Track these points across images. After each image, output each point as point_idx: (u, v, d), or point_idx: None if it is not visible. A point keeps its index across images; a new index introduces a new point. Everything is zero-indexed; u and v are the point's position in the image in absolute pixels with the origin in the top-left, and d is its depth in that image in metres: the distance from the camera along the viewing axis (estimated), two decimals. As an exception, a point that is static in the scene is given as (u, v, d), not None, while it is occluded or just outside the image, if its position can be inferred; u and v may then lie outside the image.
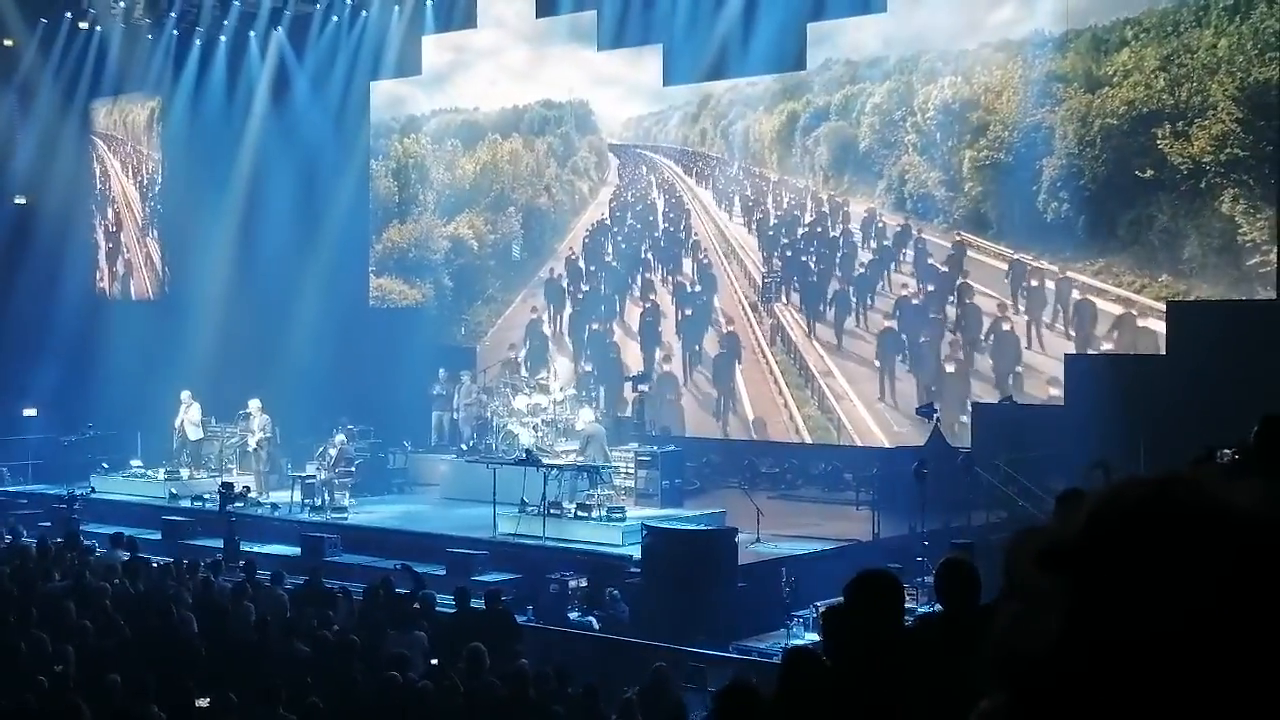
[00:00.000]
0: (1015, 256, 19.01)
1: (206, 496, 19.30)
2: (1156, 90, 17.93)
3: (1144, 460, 12.43)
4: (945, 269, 19.79)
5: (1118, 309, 18.05)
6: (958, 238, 19.67)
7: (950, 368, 19.43)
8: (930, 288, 19.85)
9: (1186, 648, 0.87)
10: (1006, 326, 19.03)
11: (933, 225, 20.06)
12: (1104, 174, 18.36)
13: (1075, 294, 18.43)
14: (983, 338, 19.25)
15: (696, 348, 22.04)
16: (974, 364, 19.22)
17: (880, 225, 20.60)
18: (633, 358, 22.58)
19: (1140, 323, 17.76)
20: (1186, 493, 0.94)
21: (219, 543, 17.46)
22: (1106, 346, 18.08)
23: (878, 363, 20.06)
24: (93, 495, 20.91)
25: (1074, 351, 18.05)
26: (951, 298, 19.68)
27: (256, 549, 17.46)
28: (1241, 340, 14.91)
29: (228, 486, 18.29)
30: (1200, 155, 17.48)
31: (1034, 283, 18.84)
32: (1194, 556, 0.90)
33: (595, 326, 23.23)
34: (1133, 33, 18.34)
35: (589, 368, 22.95)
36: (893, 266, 20.37)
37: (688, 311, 22.28)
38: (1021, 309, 18.96)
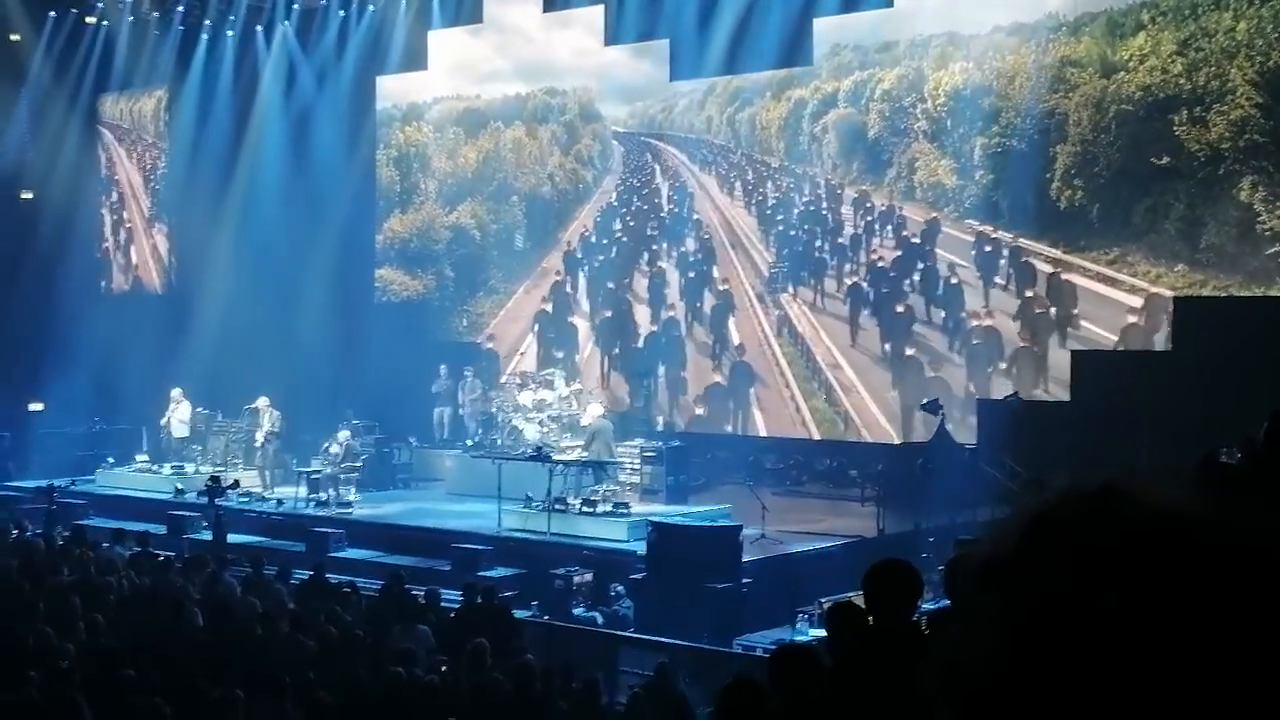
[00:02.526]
0: (979, 229, 19.94)
1: (230, 492, 19.58)
2: (1173, 75, 18.04)
3: (1148, 457, 12.68)
4: (918, 240, 20.68)
5: (1049, 268, 19.15)
6: (932, 215, 20.43)
7: (899, 308, 20.64)
8: (899, 254, 20.88)
9: (1131, 659, 0.88)
10: (955, 281, 20.16)
11: (943, 213, 20.39)
12: (1119, 161, 18.51)
13: (1024, 258, 19.48)
14: (938, 292, 20.38)
15: (698, 305, 22.93)
16: (925, 313, 20.54)
17: (869, 205, 21.34)
18: (641, 315, 23.42)
19: (1065, 276, 19.00)
20: (1122, 501, 0.94)
21: (226, 537, 17.80)
22: (1029, 294, 19.40)
23: (847, 312, 21.17)
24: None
25: (1010, 298, 19.66)
26: (919, 263, 20.64)
27: (261, 543, 17.90)
28: (1249, 336, 15.07)
29: (215, 480, 18.53)
30: (1218, 142, 17.58)
31: (988, 249, 19.89)
32: (1133, 564, 0.90)
33: (611, 286, 23.93)
34: (1149, 16, 18.46)
35: (608, 313, 23.74)
36: (875, 241, 21.23)
37: (690, 275, 23.10)
38: (975, 270, 19.99)
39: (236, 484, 19.39)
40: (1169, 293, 18.00)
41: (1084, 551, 0.92)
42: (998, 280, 19.83)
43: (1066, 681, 0.89)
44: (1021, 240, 19.50)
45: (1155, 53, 18.27)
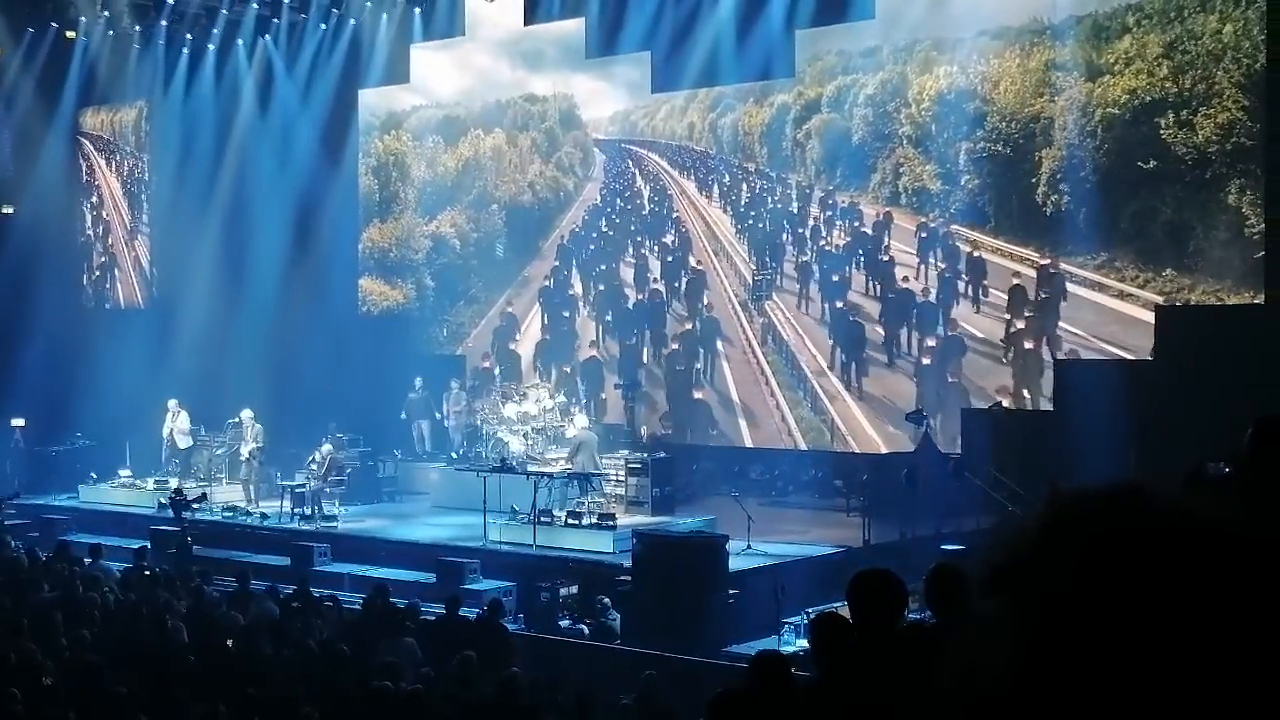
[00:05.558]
0: (920, 219, 20.88)
1: (195, 506, 19.77)
2: (1159, 78, 18.25)
3: (1132, 466, 12.89)
4: (869, 231, 21.53)
5: (968, 248, 20.41)
6: (886, 210, 21.21)
7: (835, 278, 21.82)
8: (848, 239, 21.88)
9: (1153, 665, 0.87)
10: (885, 259, 21.35)
11: (928, 218, 20.68)
12: (1105, 165, 18.71)
13: (952, 241, 20.55)
14: (877, 269, 21.51)
15: (675, 284, 23.75)
16: (863, 285, 21.72)
17: (832, 202, 22.02)
18: (629, 295, 24.15)
19: (976, 253, 20.33)
20: (1140, 503, 0.95)
21: (214, 552, 17.96)
22: (942, 264, 20.72)
23: (798, 286, 22.22)
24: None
25: (937, 274, 20.91)
26: (865, 246, 21.65)
27: (245, 557, 18.08)
28: (1231, 345, 15.21)
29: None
30: (1205, 145, 17.80)
31: (924, 235, 20.91)
32: (1155, 569, 0.90)
33: (602, 268, 24.46)
34: (1135, 19, 18.65)
35: (601, 288, 24.40)
36: (835, 233, 22.01)
37: (669, 259, 23.85)
38: (914, 252, 21.00)
39: (204, 497, 19.49)
40: (1046, 261, 19.36)
41: (1099, 552, 0.92)
42: (931, 260, 20.85)
43: (1081, 687, 0.88)
44: (977, 235, 20.46)
45: (1141, 56, 18.45)
